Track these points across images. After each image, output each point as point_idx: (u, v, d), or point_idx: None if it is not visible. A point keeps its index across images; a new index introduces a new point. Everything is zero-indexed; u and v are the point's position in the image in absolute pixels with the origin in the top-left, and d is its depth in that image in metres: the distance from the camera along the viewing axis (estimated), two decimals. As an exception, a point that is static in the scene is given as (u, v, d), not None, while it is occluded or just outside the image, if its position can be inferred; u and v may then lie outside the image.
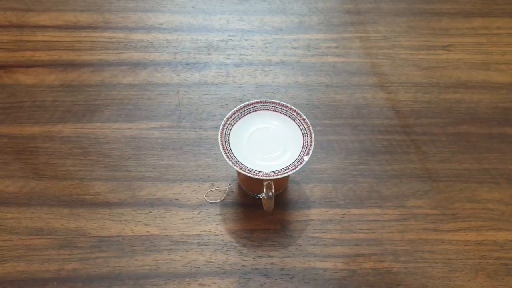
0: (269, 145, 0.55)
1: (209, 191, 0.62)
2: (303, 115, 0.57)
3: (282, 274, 0.56)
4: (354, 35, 0.78)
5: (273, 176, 0.53)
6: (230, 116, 0.56)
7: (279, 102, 0.57)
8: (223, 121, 0.56)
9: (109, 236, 0.58)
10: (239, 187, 0.62)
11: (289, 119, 0.57)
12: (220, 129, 0.55)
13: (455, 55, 0.76)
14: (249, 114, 0.57)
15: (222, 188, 0.62)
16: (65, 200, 0.60)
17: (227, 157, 0.53)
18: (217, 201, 0.61)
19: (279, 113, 0.57)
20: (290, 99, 0.70)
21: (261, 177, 0.53)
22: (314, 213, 0.60)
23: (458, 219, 0.60)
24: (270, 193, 0.54)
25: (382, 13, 0.81)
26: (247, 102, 0.57)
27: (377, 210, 0.60)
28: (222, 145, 0.54)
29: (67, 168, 0.63)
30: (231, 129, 0.56)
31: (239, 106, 0.57)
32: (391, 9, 0.82)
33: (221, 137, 0.55)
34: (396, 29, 0.79)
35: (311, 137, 0.56)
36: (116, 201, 0.61)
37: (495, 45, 0.77)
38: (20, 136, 0.66)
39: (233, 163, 0.53)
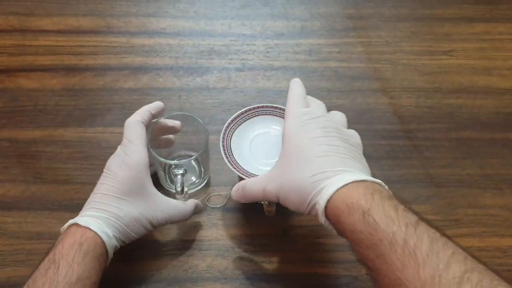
0: (271, 150, 0.55)
1: (211, 196, 0.62)
2: None
3: (284, 280, 0.55)
4: (356, 40, 0.78)
5: None
6: (232, 121, 0.56)
7: (281, 107, 0.57)
8: (225, 126, 0.56)
9: (110, 241, 0.58)
10: (241, 192, 0.62)
11: None
12: (222, 134, 0.55)
13: (457, 60, 0.76)
14: (250, 119, 0.57)
15: (223, 193, 0.62)
16: (66, 204, 0.60)
17: (229, 162, 0.53)
18: (218, 206, 0.61)
19: (281, 118, 0.57)
20: (292, 104, 0.70)
21: None
22: (316, 219, 0.60)
23: (460, 224, 0.60)
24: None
25: (384, 18, 0.81)
26: (248, 107, 0.57)
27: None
28: (224, 150, 0.54)
29: (69, 172, 0.63)
30: (232, 134, 0.56)
31: (240, 111, 0.57)
32: (393, 14, 0.82)
33: (223, 142, 0.55)
34: (398, 34, 0.79)
35: None
36: (118, 206, 0.60)
37: (498, 50, 0.77)
38: (22, 140, 0.66)
39: (234, 168, 0.53)
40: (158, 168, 0.58)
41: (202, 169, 0.61)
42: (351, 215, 0.39)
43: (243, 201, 0.51)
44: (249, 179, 0.50)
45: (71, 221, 0.49)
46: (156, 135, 0.58)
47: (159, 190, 0.52)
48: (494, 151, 0.67)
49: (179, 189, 0.54)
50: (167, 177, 0.59)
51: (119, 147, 0.53)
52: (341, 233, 0.42)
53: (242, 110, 0.57)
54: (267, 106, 0.57)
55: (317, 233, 0.59)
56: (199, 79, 0.73)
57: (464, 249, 0.36)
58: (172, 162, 0.55)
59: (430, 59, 0.76)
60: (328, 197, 0.41)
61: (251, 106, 0.57)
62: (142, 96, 0.70)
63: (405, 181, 0.64)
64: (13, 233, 0.58)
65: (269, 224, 0.60)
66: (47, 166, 0.64)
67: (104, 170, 0.52)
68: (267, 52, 0.76)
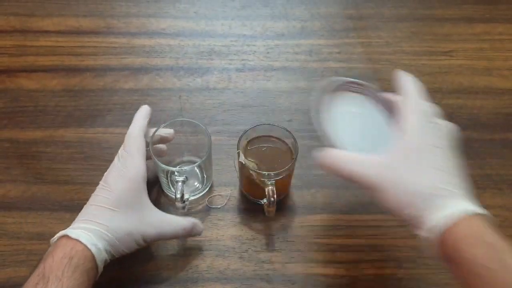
0: (364, 134, 0.48)
1: (211, 196, 0.62)
2: None
3: (284, 280, 0.56)
4: (356, 40, 0.78)
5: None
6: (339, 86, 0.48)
7: (385, 94, 0.49)
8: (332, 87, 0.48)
9: (110, 241, 0.58)
10: (241, 193, 0.62)
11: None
12: (325, 90, 0.48)
13: (457, 60, 0.76)
14: (347, 93, 0.49)
15: (224, 193, 0.62)
16: (66, 205, 0.60)
17: (324, 125, 0.46)
18: (218, 207, 0.61)
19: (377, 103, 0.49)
20: (292, 105, 0.70)
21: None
22: (316, 219, 0.60)
23: (460, 225, 0.60)
24: (272, 199, 0.53)
25: (384, 18, 0.81)
26: (352, 79, 0.49)
27: (380, 216, 0.60)
28: (320, 109, 0.47)
29: (69, 173, 0.63)
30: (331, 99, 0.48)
31: (344, 80, 0.48)
32: (393, 14, 0.82)
33: (317, 101, 0.47)
34: (398, 34, 0.79)
35: None
36: (118, 206, 0.60)
37: (497, 50, 0.77)
38: (22, 141, 0.66)
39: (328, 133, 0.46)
40: (160, 175, 0.58)
41: (205, 175, 0.61)
42: (476, 247, 0.39)
43: (324, 169, 0.46)
44: (344, 151, 0.44)
45: (61, 233, 0.48)
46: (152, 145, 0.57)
47: (161, 196, 0.52)
48: (494, 151, 0.67)
49: (178, 196, 0.53)
50: (169, 183, 0.59)
51: (116, 159, 0.53)
52: (450, 259, 0.40)
53: (346, 79, 0.49)
54: (367, 86, 0.49)
55: (317, 233, 0.59)
56: (200, 80, 0.73)
57: None
58: (175, 169, 0.55)
59: (430, 59, 0.76)
60: (451, 219, 0.40)
61: (354, 79, 0.49)
62: (142, 97, 0.70)
63: (405, 181, 0.64)
64: (13, 233, 0.58)
65: (269, 224, 0.60)
66: (47, 166, 0.64)
67: (101, 182, 0.52)
68: (268, 52, 0.76)
